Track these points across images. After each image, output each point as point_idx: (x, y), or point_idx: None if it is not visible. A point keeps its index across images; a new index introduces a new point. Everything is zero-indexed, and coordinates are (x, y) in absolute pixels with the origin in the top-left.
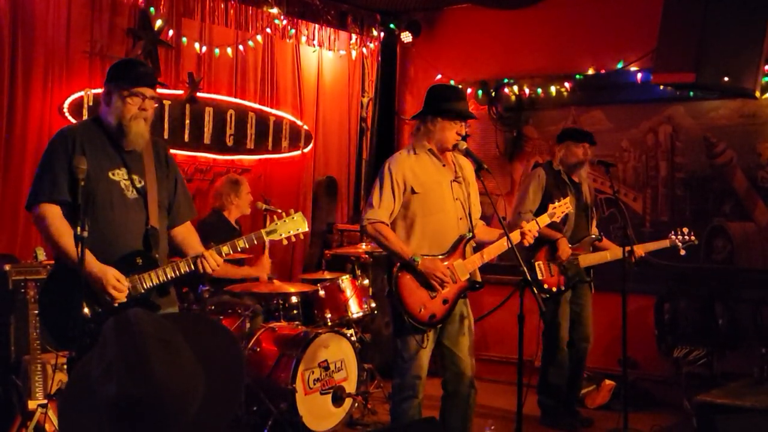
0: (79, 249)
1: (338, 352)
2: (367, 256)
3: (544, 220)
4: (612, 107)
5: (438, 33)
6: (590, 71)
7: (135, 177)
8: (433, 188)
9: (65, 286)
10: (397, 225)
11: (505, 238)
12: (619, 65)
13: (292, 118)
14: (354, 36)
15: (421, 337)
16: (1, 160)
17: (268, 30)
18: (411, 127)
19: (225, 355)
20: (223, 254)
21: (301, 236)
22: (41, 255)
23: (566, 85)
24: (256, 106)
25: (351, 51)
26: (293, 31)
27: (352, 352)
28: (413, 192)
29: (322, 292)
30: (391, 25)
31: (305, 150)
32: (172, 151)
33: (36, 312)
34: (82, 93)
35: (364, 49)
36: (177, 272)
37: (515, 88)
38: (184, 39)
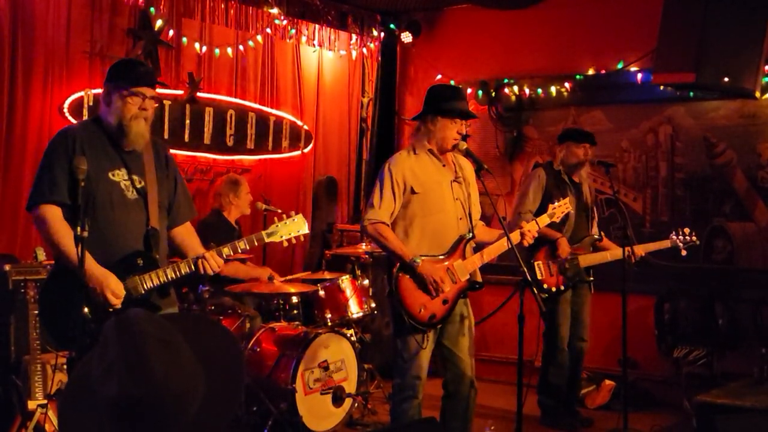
0: (79, 249)
1: (338, 352)
2: (367, 256)
3: (544, 220)
4: (612, 107)
5: (438, 33)
6: (590, 71)
7: (135, 177)
8: (433, 188)
9: (65, 287)
10: (397, 225)
11: (505, 238)
12: (620, 65)
13: (293, 118)
14: (354, 36)
15: (421, 338)
16: (1, 160)
17: (269, 30)
18: (411, 127)
19: (225, 355)
20: (224, 255)
21: (302, 238)
22: (41, 255)
23: (566, 85)
24: (257, 106)
25: (351, 51)
26: (293, 31)
27: (352, 353)
28: (413, 192)
29: (322, 293)
30: (392, 26)
31: (305, 150)
32: (172, 151)
33: (36, 312)
34: (82, 93)
35: (365, 50)
36: (177, 273)
37: (515, 88)
38: (185, 39)
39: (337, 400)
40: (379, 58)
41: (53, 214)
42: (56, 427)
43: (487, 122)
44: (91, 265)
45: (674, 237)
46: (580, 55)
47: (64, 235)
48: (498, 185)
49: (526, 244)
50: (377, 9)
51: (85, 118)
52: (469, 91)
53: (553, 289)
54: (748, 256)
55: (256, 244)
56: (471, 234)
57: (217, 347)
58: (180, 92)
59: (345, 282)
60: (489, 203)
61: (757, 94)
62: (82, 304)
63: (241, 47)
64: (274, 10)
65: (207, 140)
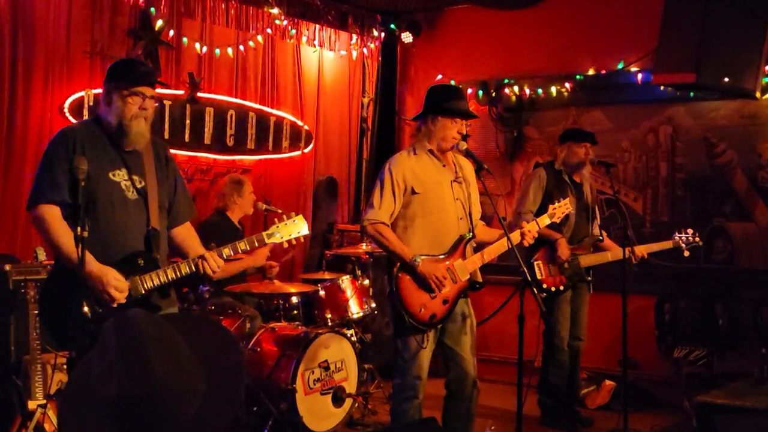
0: (79, 249)
1: (338, 353)
2: (367, 256)
3: (544, 220)
4: (612, 107)
5: (438, 33)
6: (590, 71)
7: (135, 177)
8: (433, 188)
9: (65, 287)
10: (397, 225)
11: (506, 238)
12: (620, 66)
13: (293, 119)
14: (354, 36)
15: (422, 338)
16: (1, 160)
17: (269, 30)
18: (411, 127)
19: (225, 356)
20: (224, 256)
21: (302, 239)
22: (41, 255)
23: (567, 85)
24: (257, 106)
25: (351, 51)
26: (294, 31)
27: (353, 353)
28: (413, 192)
29: (322, 293)
30: (392, 26)
31: (306, 150)
32: (172, 151)
33: (36, 312)
34: (82, 93)
35: (365, 50)
36: (178, 273)
37: (515, 88)
38: (185, 39)
39: (338, 401)
40: (380, 58)
41: (53, 213)
42: (56, 427)
43: (488, 122)
44: (91, 263)
45: (677, 237)
46: (581, 55)
47: (64, 234)
48: (498, 185)
49: (526, 244)
50: (377, 9)
51: (86, 118)
52: (469, 91)
53: (553, 289)
54: (749, 256)
55: (256, 245)
56: (471, 234)
57: (217, 347)
58: (180, 92)
59: (345, 282)
60: (489, 203)
61: (758, 95)
62: (82, 304)
63: (241, 47)
64: (275, 10)
65: (207, 140)
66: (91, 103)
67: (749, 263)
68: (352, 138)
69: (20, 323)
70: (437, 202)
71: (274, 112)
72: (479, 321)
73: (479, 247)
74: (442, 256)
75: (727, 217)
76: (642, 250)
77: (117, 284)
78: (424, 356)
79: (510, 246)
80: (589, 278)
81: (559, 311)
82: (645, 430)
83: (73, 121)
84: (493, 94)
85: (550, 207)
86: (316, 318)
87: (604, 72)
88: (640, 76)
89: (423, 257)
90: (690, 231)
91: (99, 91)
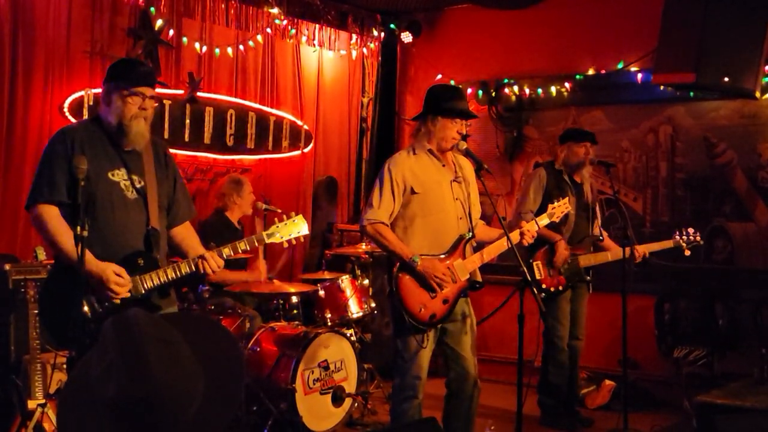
0: (79, 249)
1: (338, 352)
2: (367, 256)
3: (543, 220)
4: (612, 107)
5: (438, 33)
6: (590, 71)
7: (135, 177)
8: (432, 188)
9: (65, 286)
10: (396, 225)
11: (505, 238)
12: (620, 65)
13: (293, 118)
14: (354, 36)
15: (422, 337)
16: (1, 160)
17: (269, 30)
18: (411, 127)
19: (225, 355)
20: (224, 256)
21: (302, 239)
22: (41, 255)
23: (566, 85)
24: (257, 106)
25: (351, 51)
26: (293, 31)
27: (352, 352)
28: (413, 192)
29: (322, 292)
30: (392, 26)
31: (305, 150)
32: (172, 151)
33: (36, 312)
34: (82, 93)
35: (365, 49)
36: (178, 273)
37: (515, 88)
38: (185, 39)
39: (337, 400)
40: (380, 58)
41: (51, 213)
42: (55, 427)
43: (487, 122)
44: (90, 261)
45: (677, 237)
46: (580, 55)
47: (63, 232)
48: (498, 185)
49: (525, 243)
50: (377, 9)
51: (86, 117)
52: (469, 91)
53: (552, 289)
54: (748, 256)
55: (256, 244)
56: (471, 233)
57: (217, 347)
58: (180, 92)
59: (345, 282)
60: (489, 203)
61: (757, 94)
62: (81, 304)
63: (241, 47)
64: (275, 10)
65: (207, 140)
66: (91, 103)
67: (749, 263)
68: (351, 138)
69: (20, 323)
70: (437, 202)
71: (274, 111)
72: (479, 320)
73: (479, 246)
74: (441, 256)
75: (727, 217)
76: (642, 249)
77: (117, 279)
78: (423, 356)
79: (510, 246)
80: (589, 278)
81: (559, 311)
82: (645, 430)
83: (73, 120)
84: (493, 94)
85: (549, 207)
86: (316, 318)
87: (604, 72)
88: (640, 76)
89: (422, 257)
90: (691, 230)
91: (99, 90)
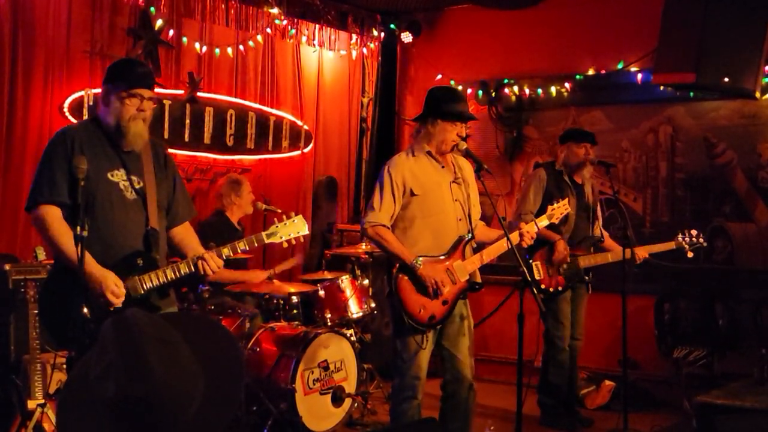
0: (79, 249)
1: (338, 352)
2: (367, 256)
3: (543, 221)
4: (612, 107)
5: (438, 33)
6: (590, 71)
7: (134, 178)
8: (432, 190)
9: (65, 286)
10: (396, 227)
11: (505, 238)
12: (620, 65)
13: (293, 118)
14: (354, 36)
15: (421, 338)
16: (1, 160)
17: (269, 30)
18: (411, 127)
19: (224, 355)
20: (223, 256)
21: (301, 239)
22: (41, 255)
23: (566, 85)
24: (257, 106)
25: (351, 51)
26: (293, 31)
27: (352, 353)
28: (413, 194)
29: (322, 292)
30: (392, 26)
31: (305, 150)
32: (172, 151)
33: (36, 312)
34: (82, 93)
35: (365, 50)
36: (177, 273)
37: (515, 88)
38: (185, 39)
39: (337, 400)
40: (380, 58)
41: (52, 213)
42: (55, 427)
43: (487, 122)
44: (91, 264)
45: (680, 238)
46: (580, 55)
47: (63, 234)
48: (498, 185)
49: (525, 245)
50: (377, 9)
51: (86, 117)
52: (469, 91)
53: (551, 290)
54: (748, 256)
55: (255, 245)
56: (470, 234)
57: (217, 347)
58: (180, 92)
59: (345, 282)
60: (489, 203)
61: (757, 95)
62: (81, 304)
63: (241, 47)
64: (275, 10)
65: (207, 140)
66: (91, 103)
67: (749, 263)
68: (351, 138)
69: (20, 323)
70: (436, 203)
71: (274, 111)
72: (477, 322)
73: (479, 247)
74: (441, 257)
75: (727, 217)
76: (644, 250)
77: (115, 289)
78: (423, 357)
79: (509, 246)
80: (588, 279)
81: (559, 311)
82: (645, 430)
83: (73, 120)
84: (493, 94)
85: (549, 208)
86: (316, 318)
87: (604, 72)
88: (640, 76)
89: (423, 258)
90: (694, 232)
91: (99, 91)
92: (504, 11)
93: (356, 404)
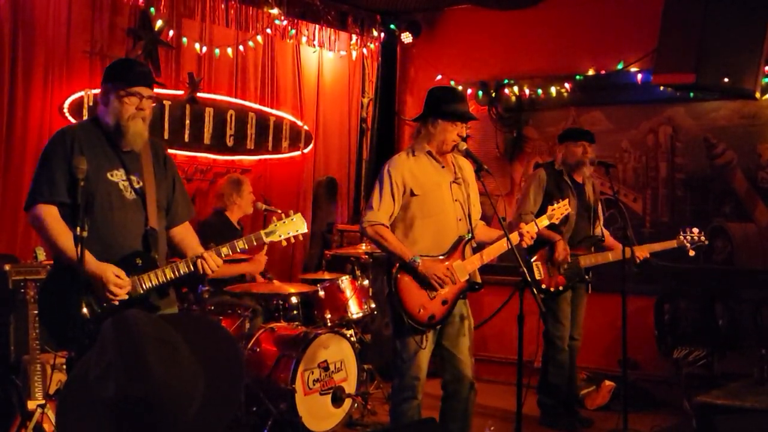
0: (79, 249)
1: (338, 353)
2: (366, 256)
3: (543, 221)
4: (612, 108)
5: (438, 33)
6: (590, 72)
7: (133, 178)
8: (432, 190)
9: (64, 287)
10: (396, 227)
11: (505, 239)
12: (620, 66)
13: (293, 119)
14: (354, 36)
15: (421, 338)
16: (1, 160)
17: (269, 30)
18: (411, 127)
19: (224, 356)
20: (223, 255)
21: (300, 237)
22: (41, 255)
23: (566, 85)
24: (257, 106)
25: (351, 51)
26: (293, 31)
27: (352, 353)
28: (412, 194)
29: (321, 293)
30: (392, 26)
31: (305, 150)
32: (172, 151)
33: (36, 312)
34: (82, 93)
35: (365, 50)
36: (176, 273)
37: (515, 88)
38: (185, 39)
39: (337, 401)
40: (379, 59)
41: (50, 213)
42: (55, 427)
43: (487, 123)
44: (90, 262)
45: (681, 237)
46: (580, 56)
47: (61, 232)
48: (498, 185)
49: (524, 245)
50: (377, 9)
51: (85, 118)
52: (469, 91)
53: (552, 289)
54: (748, 256)
55: (255, 243)
56: (470, 235)
57: (217, 348)
58: (180, 92)
59: (345, 282)
60: (489, 203)
61: (757, 95)
62: (81, 304)
63: (241, 47)
64: (275, 11)
65: (207, 140)
66: (91, 103)
67: (749, 263)
68: (351, 138)
69: (20, 323)
70: (436, 203)
71: (274, 112)
72: (478, 323)
73: (479, 247)
74: (441, 257)
75: (726, 218)
76: (645, 249)
77: (117, 280)
78: (422, 357)
79: (509, 246)
80: (588, 278)
81: (559, 311)
82: (645, 431)
83: (73, 121)
84: (493, 95)
85: (549, 208)
86: (316, 318)
87: (603, 72)
88: (639, 76)
89: (422, 257)
90: (695, 230)
91: (99, 91)
92: (504, 11)
93: (356, 405)
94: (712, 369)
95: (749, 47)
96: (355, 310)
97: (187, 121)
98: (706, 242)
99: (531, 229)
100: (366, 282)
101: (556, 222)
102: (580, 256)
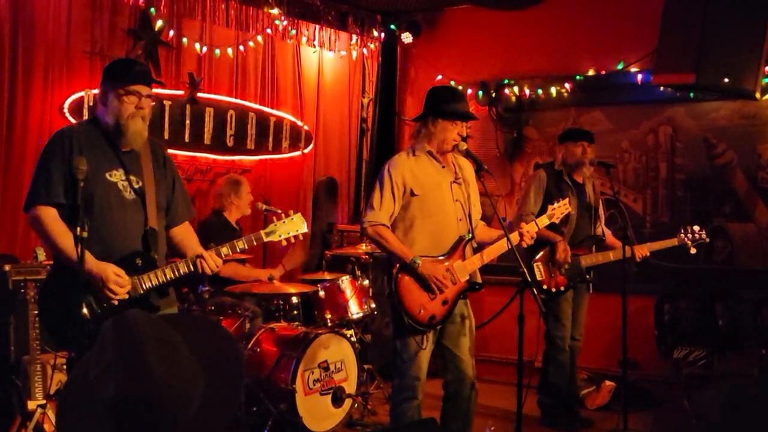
0: (79, 249)
1: (338, 353)
2: (367, 256)
3: (543, 221)
4: (612, 108)
5: (438, 34)
6: (590, 72)
7: (133, 178)
8: (432, 190)
9: (64, 287)
10: (396, 227)
11: (505, 239)
12: (620, 66)
13: (293, 119)
14: (354, 37)
15: (421, 338)
16: (1, 160)
17: (269, 30)
18: (411, 127)
19: (224, 356)
20: (222, 255)
21: (300, 237)
22: (41, 255)
23: (566, 85)
24: (257, 106)
25: (351, 52)
26: (294, 31)
27: (352, 353)
28: (413, 194)
29: (322, 293)
30: (392, 26)
31: (305, 150)
32: (172, 151)
33: (36, 312)
34: (82, 93)
35: (365, 50)
36: (176, 273)
37: (515, 88)
38: (185, 39)
39: (337, 401)
40: (380, 59)
41: (49, 214)
42: (55, 428)
43: (487, 123)
44: (89, 262)
45: (682, 235)
46: (580, 56)
47: (61, 233)
48: (498, 186)
49: (525, 245)
50: (377, 9)
51: (86, 118)
52: (469, 91)
53: (553, 290)
54: (748, 256)
55: (254, 243)
56: (471, 235)
57: (217, 348)
58: (180, 92)
59: (345, 282)
60: (489, 204)
61: (757, 95)
62: (81, 305)
63: (241, 47)
64: (275, 11)
65: (207, 140)
66: (91, 104)
67: (749, 263)
68: (351, 138)
69: (20, 323)
70: (437, 203)
71: (274, 112)
72: (480, 323)
73: (479, 247)
74: (441, 257)
75: (727, 218)
76: (645, 248)
77: (117, 279)
78: (423, 357)
79: (510, 246)
80: (589, 278)
81: (560, 311)
82: (645, 431)
83: (73, 121)
84: (493, 95)
85: (549, 207)
86: (316, 318)
87: (604, 72)
88: (640, 76)
89: (422, 258)
90: (696, 228)
91: (98, 91)
92: (504, 11)
93: (356, 405)
94: (712, 369)
95: (749, 47)
96: (355, 310)
97: (188, 122)
98: (707, 240)
99: (531, 228)
100: (366, 282)
101: (557, 221)
102: (581, 256)
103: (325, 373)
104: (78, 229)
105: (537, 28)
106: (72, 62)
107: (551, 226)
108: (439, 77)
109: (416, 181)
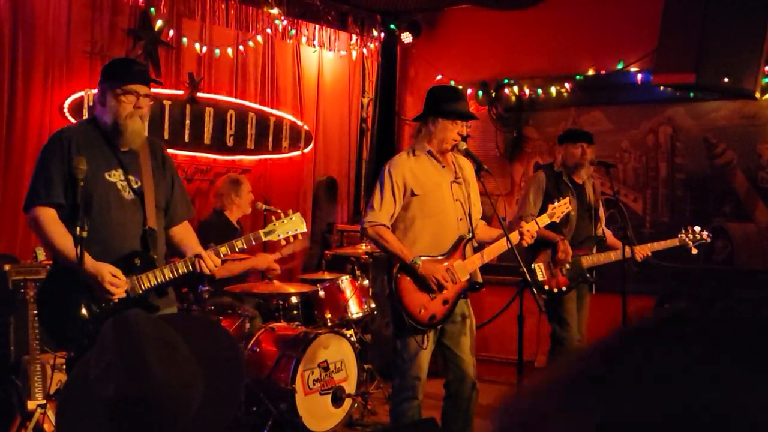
0: (79, 250)
1: (338, 353)
2: (366, 256)
3: (544, 220)
4: (612, 108)
5: (438, 33)
6: (590, 72)
7: (131, 178)
8: (433, 190)
9: (63, 287)
10: (397, 227)
11: (505, 238)
12: (620, 66)
13: (293, 119)
14: (354, 36)
15: (421, 338)
16: (1, 160)
17: (269, 30)
18: (411, 127)
19: (224, 356)
20: (221, 255)
21: (299, 236)
22: (41, 255)
23: (566, 85)
24: (257, 106)
25: (351, 51)
26: (293, 31)
27: (352, 353)
28: (413, 194)
29: (321, 293)
30: (392, 26)
31: (305, 150)
32: (172, 151)
33: (35, 312)
34: (82, 93)
35: (365, 50)
36: (175, 273)
37: (515, 88)
38: (185, 39)
39: (337, 401)
40: (380, 59)
41: (48, 215)
42: (55, 428)
43: (487, 122)
44: (87, 262)
45: (683, 235)
46: (580, 56)
47: (60, 233)
48: (498, 185)
49: (525, 244)
50: (377, 9)
51: (85, 118)
52: (469, 91)
53: (555, 290)
54: (748, 256)
55: (254, 243)
56: (471, 234)
57: (216, 348)
58: (180, 92)
59: (345, 282)
60: (489, 203)
61: (757, 95)
62: (80, 305)
63: (241, 47)
64: (275, 11)
65: (207, 140)
66: (91, 104)
67: (749, 263)
68: (351, 138)
69: (20, 323)
70: (437, 203)
71: (274, 112)
72: (480, 323)
73: (480, 247)
74: (441, 257)
75: (727, 218)
76: (646, 248)
77: (113, 279)
78: (423, 357)
79: (510, 246)
80: (591, 278)
81: (564, 311)
82: None
83: (73, 121)
84: (493, 95)
85: (550, 206)
86: (316, 318)
87: (603, 72)
88: (639, 76)
89: (423, 258)
90: (697, 228)
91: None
92: (504, 11)
93: (356, 405)
94: None
95: (749, 47)
96: (355, 310)
97: (187, 121)
98: (708, 239)
99: (531, 227)
100: (366, 282)
101: (557, 220)
102: (582, 256)
103: (325, 373)
104: (78, 229)
105: (537, 28)
106: (72, 62)
107: (552, 226)
108: (439, 77)
109: (416, 181)
